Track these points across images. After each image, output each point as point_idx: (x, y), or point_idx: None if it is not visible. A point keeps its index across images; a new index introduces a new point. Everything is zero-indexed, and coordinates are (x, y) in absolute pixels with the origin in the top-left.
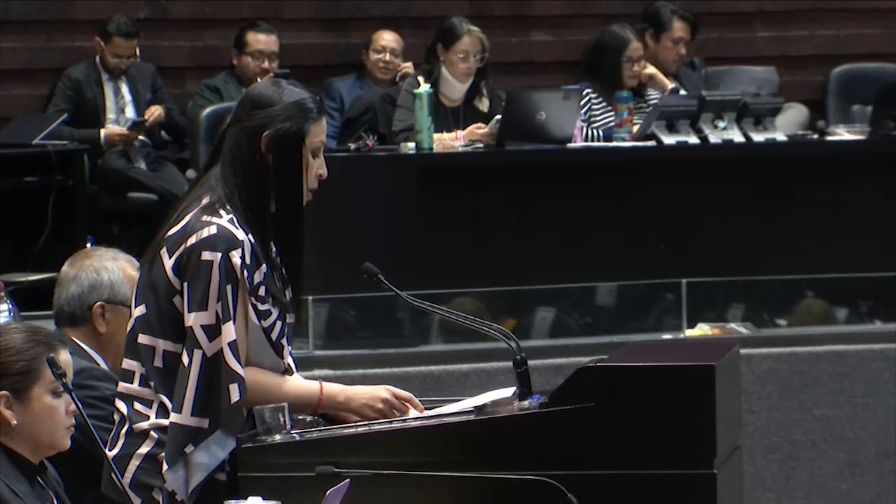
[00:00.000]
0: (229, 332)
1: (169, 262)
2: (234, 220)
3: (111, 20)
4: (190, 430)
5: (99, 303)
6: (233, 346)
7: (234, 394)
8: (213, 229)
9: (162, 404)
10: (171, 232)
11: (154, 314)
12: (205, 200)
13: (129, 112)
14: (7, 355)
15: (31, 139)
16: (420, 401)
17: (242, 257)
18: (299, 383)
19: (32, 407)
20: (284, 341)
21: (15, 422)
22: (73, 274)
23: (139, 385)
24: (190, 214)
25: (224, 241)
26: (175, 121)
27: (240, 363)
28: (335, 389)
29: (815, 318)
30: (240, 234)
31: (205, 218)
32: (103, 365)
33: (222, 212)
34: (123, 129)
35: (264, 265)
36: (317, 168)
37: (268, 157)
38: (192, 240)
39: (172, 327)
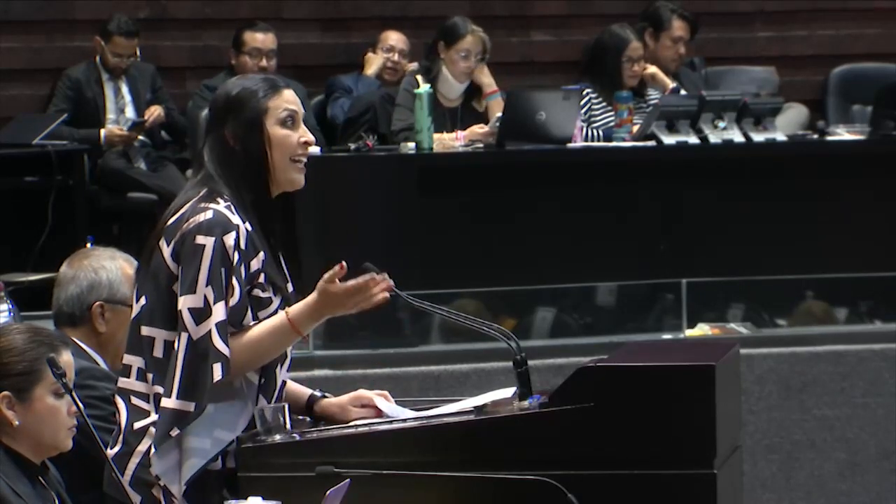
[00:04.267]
0: (219, 312)
1: (167, 250)
2: (232, 206)
3: (112, 19)
4: (177, 413)
5: (98, 302)
6: (220, 325)
7: (217, 373)
8: (208, 214)
9: (157, 396)
10: (168, 222)
11: (155, 303)
12: (202, 192)
13: (129, 112)
14: (9, 356)
15: (31, 139)
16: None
17: (237, 241)
18: (266, 323)
19: (34, 408)
20: None
21: (17, 422)
22: (71, 274)
23: (136, 379)
24: (188, 204)
25: (219, 225)
26: (175, 121)
27: (226, 343)
28: (299, 307)
29: (815, 319)
30: (235, 219)
31: (202, 205)
32: (103, 365)
33: (220, 199)
34: (123, 129)
35: (262, 252)
36: (298, 137)
37: (240, 150)
38: (188, 224)
39: (173, 316)
